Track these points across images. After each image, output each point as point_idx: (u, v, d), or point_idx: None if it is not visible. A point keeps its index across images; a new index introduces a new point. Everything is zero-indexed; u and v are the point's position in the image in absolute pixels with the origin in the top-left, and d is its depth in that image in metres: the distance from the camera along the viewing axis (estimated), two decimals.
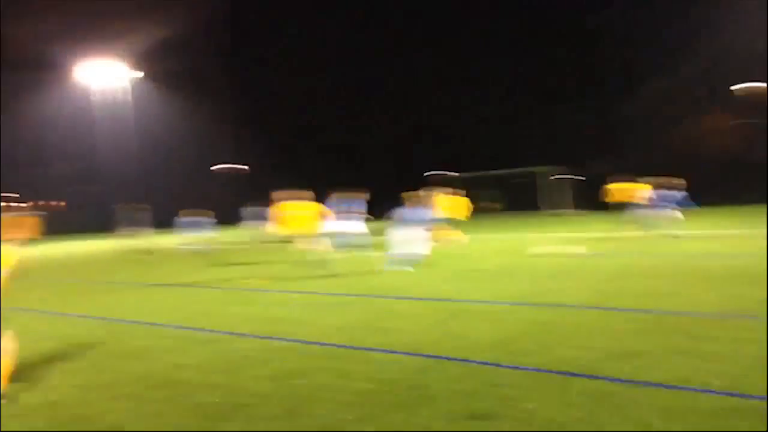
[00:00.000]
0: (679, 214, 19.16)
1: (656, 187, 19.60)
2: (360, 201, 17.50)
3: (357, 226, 17.26)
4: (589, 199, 42.59)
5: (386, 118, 62.94)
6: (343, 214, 16.33)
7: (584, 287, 10.56)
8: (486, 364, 6.25)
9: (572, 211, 42.92)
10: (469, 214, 22.73)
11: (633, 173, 21.09)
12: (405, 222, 14.52)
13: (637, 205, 20.13)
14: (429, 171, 49.01)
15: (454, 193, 21.73)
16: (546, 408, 4.99)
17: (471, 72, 60.02)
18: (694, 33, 51.69)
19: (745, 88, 55.67)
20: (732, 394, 5.06)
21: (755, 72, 51.71)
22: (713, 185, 34.89)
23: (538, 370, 5.99)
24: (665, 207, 19.08)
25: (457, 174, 46.96)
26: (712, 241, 17.35)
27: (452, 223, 20.83)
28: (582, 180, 45.72)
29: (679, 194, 19.29)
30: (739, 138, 54.02)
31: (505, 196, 45.78)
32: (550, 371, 5.90)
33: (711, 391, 5.15)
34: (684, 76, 53.63)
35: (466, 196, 22.59)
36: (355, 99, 64.54)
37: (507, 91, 59.13)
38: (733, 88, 54.88)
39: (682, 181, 19.60)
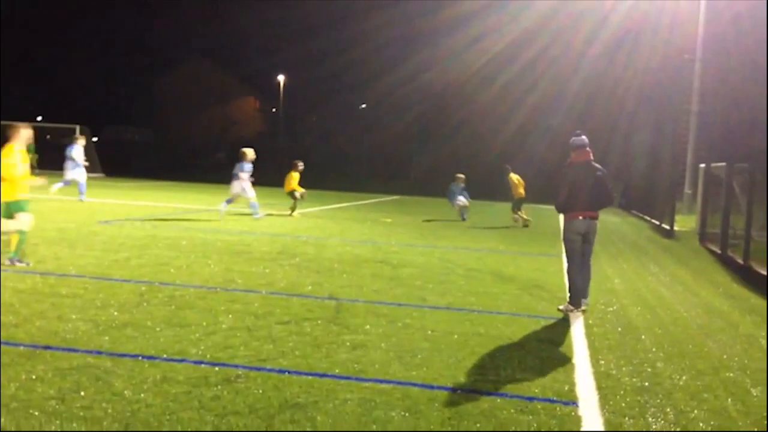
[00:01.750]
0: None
1: None
2: None
3: None
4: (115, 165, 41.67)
5: None
6: None
7: (100, 256, 10.15)
8: None
9: (102, 175, 41.30)
10: None
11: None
12: None
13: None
14: None
15: None
16: (7, 386, 4.60)
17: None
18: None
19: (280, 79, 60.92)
20: (203, 363, 5.34)
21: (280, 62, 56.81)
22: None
23: (8, 343, 5.51)
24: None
25: None
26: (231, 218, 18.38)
27: None
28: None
29: None
30: (265, 124, 59.13)
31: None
32: (21, 345, 5.49)
33: (187, 361, 5.36)
34: (219, 61, 56.41)
35: None
36: None
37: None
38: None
39: None
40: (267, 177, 23.42)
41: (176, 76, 70.06)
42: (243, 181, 17.22)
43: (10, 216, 8.91)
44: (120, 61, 57.67)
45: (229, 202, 17.40)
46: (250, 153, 17.37)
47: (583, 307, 8.01)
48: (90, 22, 55.93)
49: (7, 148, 9.03)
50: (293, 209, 19.68)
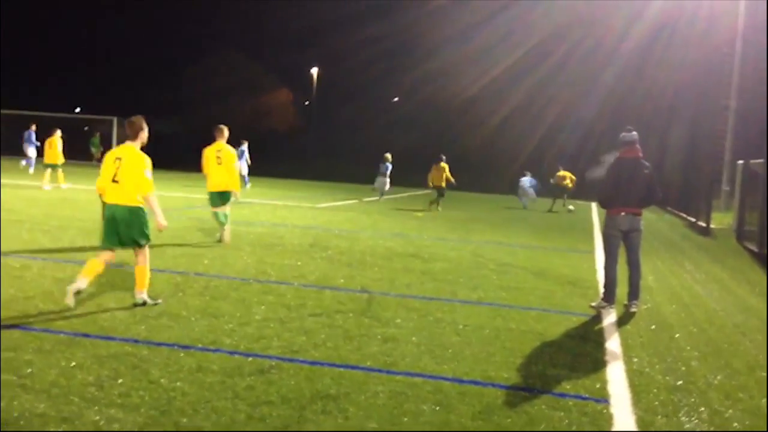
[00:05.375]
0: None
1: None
2: None
3: None
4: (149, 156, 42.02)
5: None
6: None
7: None
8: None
9: None
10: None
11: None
12: None
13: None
14: None
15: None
16: (48, 372, 4.72)
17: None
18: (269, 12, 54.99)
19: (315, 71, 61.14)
20: (237, 353, 5.42)
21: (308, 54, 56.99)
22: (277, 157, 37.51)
23: (48, 331, 5.66)
24: None
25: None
26: (263, 208, 18.53)
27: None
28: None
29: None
30: (297, 114, 59.50)
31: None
32: (61, 332, 5.63)
33: (221, 351, 5.45)
34: (253, 53, 56.73)
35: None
36: None
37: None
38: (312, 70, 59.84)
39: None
40: (298, 170, 23.48)
41: (208, 67, 70.53)
42: (385, 178, 23.27)
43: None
44: (153, 52, 58.10)
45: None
46: (389, 156, 23.21)
47: (633, 309, 7.91)
48: (121, 12, 56.68)
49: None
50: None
